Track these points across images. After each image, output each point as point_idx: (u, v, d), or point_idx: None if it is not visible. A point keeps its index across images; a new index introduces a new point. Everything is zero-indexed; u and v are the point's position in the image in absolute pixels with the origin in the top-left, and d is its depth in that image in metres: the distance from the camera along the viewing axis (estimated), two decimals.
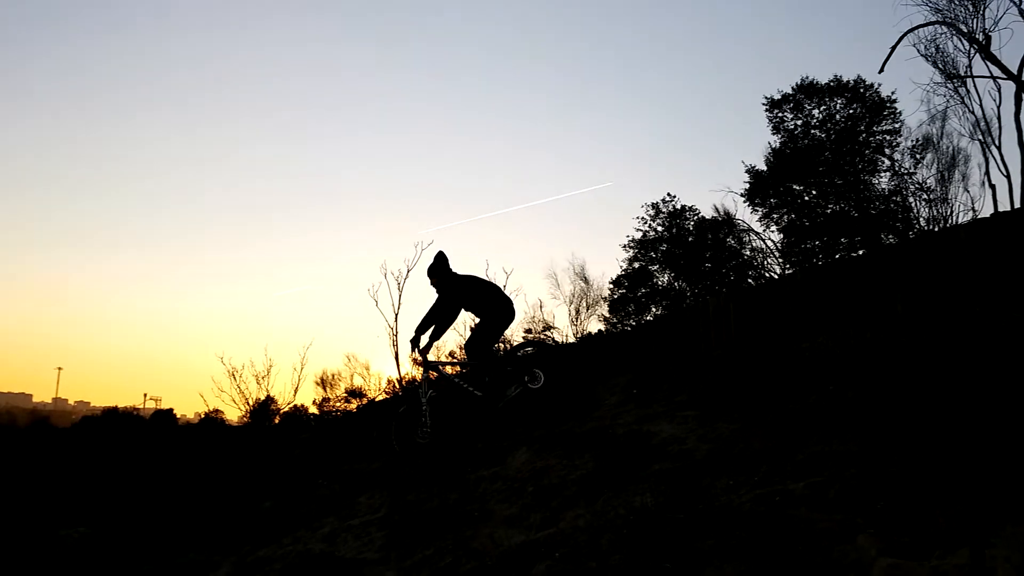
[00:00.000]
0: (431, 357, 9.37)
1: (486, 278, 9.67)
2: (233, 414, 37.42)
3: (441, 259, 9.25)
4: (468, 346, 9.24)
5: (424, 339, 9.26)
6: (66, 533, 15.76)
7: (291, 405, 32.52)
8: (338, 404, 34.56)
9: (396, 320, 23.10)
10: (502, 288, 9.63)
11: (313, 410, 36.91)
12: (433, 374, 9.46)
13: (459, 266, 9.39)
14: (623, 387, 10.27)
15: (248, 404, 31.33)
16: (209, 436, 38.92)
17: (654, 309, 28.62)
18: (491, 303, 9.12)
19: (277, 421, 34.06)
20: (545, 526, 4.97)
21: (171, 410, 48.92)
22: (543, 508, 5.42)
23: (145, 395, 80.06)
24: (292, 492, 11.02)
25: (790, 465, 4.67)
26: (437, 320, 9.14)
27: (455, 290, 9.13)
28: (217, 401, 44.56)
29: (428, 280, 9.29)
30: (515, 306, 9.39)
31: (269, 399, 32.13)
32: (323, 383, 35.71)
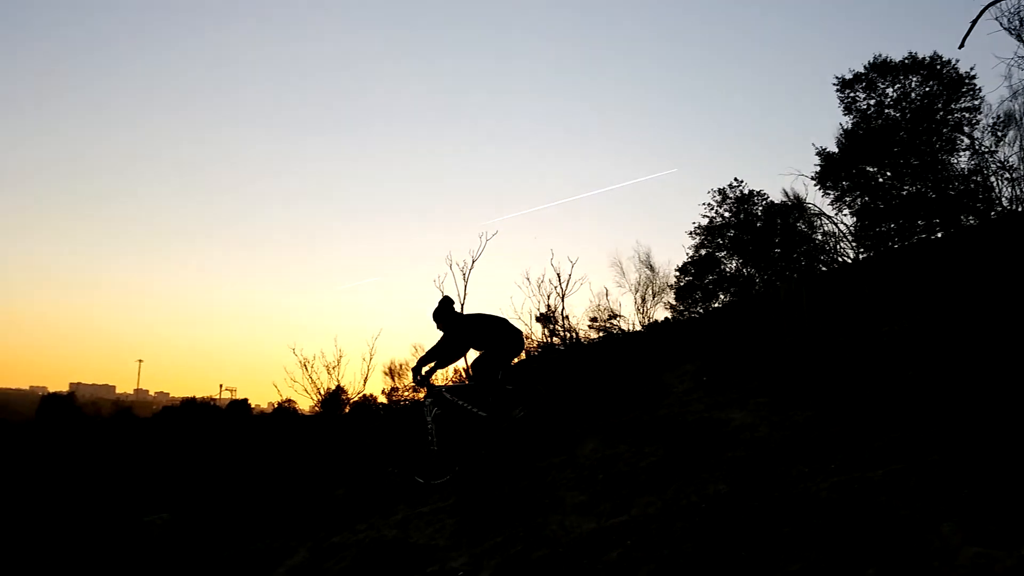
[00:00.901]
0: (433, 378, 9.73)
1: (493, 313, 9.95)
2: (305, 404, 38.29)
3: (446, 304, 9.68)
4: (474, 370, 9.49)
5: (425, 369, 9.59)
6: (150, 520, 16.43)
7: (361, 395, 33.12)
8: (406, 394, 35.05)
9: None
10: (508, 320, 9.79)
11: (382, 400, 37.56)
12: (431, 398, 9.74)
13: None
14: (692, 375, 10.15)
15: (319, 394, 32.04)
16: (282, 425, 39.98)
17: (722, 296, 28.14)
18: (495, 339, 9.39)
19: (347, 411, 34.77)
20: (616, 514, 4.94)
21: (246, 400, 50.38)
22: (613, 496, 5.39)
23: (221, 386, 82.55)
24: (364, 480, 11.21)
25: (868, 452, 4.54)
26: (440, 357, 9.51)
27: (459, 331, 9.47)
28: (290, 391, 45.75)
29: (434, 324, 9.66)
30: (522, 336, 9.63)
31: (339, 389, 32.80)
32: (391, 373, 36.28)
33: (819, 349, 8.93)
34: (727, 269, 28.81)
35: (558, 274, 22.83)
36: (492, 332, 9.38)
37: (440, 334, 9.56)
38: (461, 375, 26.32)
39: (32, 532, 20.00)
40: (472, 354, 9.63)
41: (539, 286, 23.88)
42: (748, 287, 26.80)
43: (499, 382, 9.32)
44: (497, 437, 9.25)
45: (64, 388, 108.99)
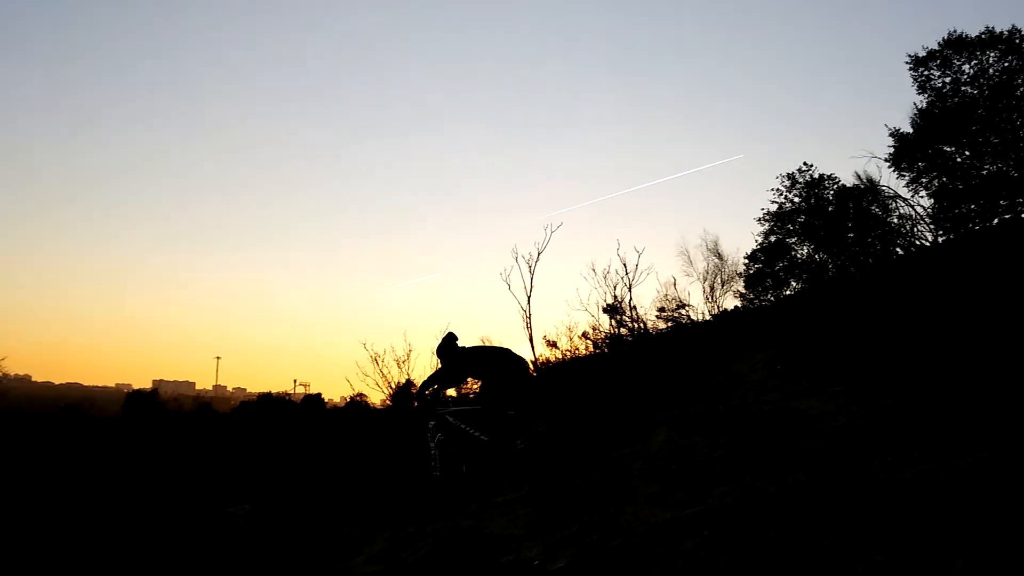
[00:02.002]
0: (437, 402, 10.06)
1: (496, 345, 10.37)
2: (376, 397, 39.01)
3: (449, 340, 10.07)
4: (477, 397, 9.80)
5: (429, 392, 9.94)
6: (233, 510, 16.98)
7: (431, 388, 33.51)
8: (475, 386, 35.26)
9: (529, 303, 23.28)
10: (511, 351, 10.04)
11: (451, 392, 37.90)
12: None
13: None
14: (765, 364, 9.98)
15: (390, 388, 32.53)
16: (355, 418, 40.72)
17: (793, 283, 27.54)
18: (496, 370, 9.68)
19: (416, 404, 35.12)
20: (691, 504, 4.91)
21: (319, 395, 51.44)
22: (688, 486, 5.36)
23: (295, 381, 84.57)
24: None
25: (954, 441, 4.41)
26: (441, 382, 9.92)
27: (461, 364, 9.85)
28: (361, 385, 46.68)
29: (437, 358, 10.10)
30: (525, 364, 9.95)
31: (409, 382, 33.24)
32: None
33: (898, 336, 8.68)
34: (798, 256, 28.18)
35: (624, 264, 22.74)
36: (493, 364, 9.71)
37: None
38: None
39: (121, 522, 20.90)
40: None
41: (605, 277, 23.81)
42: (820, 273, 26.17)
43: (502, 409, 9.50)
44: (566, 428, 9.31)
45: (147, 385, 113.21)
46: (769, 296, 27.53)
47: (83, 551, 17.37)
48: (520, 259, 23.42)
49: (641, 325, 23.13)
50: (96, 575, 13.43)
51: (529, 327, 23.49)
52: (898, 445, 4.65)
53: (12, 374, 37.94)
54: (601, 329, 24.86)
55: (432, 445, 9.50)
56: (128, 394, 56.17)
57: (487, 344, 10.28)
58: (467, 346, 10.06)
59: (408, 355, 31.53)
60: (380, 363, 32.00)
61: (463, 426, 9.65)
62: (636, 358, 18.57)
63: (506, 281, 23.20)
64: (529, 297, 23.20)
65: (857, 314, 12.66)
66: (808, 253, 28.02)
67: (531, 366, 35.77)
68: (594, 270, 24.00)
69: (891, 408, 5.59)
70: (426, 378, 10.01)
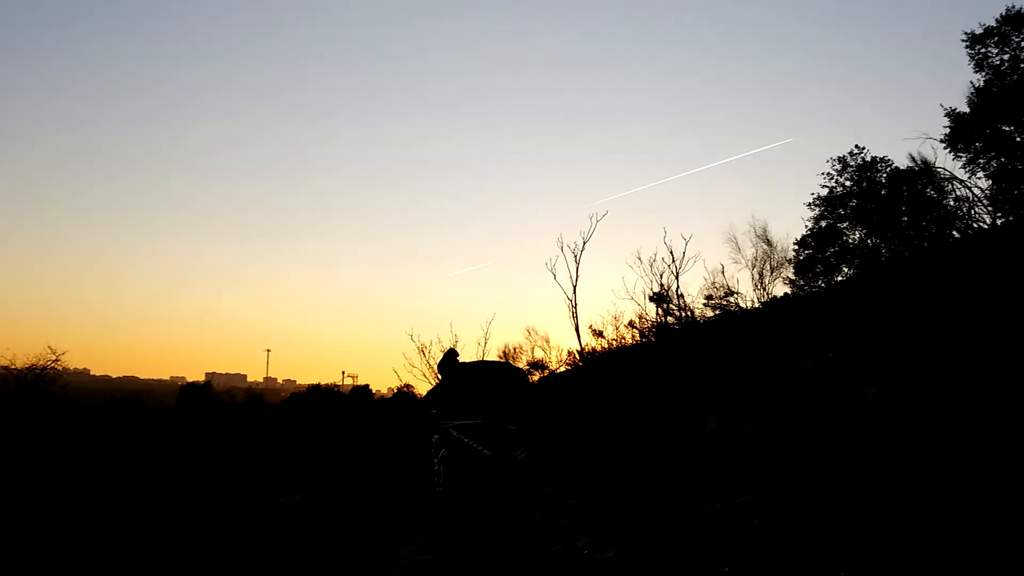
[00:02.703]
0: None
1: (494, 359, 10.78)
2: (423, 387, 39.27)
3: (450, 356, 10.37)
4: (480, 412, 9.97)
5: (433, 412, 10.33)
6: (285, 500, 17.30)
7: None
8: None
9: (574, 292, 23.17)
10: (509, 363, 10.45)
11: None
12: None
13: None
14: (816, 351, 9.79)
15: (437, 378, 32.82)
16: (402, 409, 41.11)
17: (845, 269, 26.91)
18: (494, 384, 10.05)
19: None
20: (742, 493, 4.83)
21: (367, 386, 52.01)
22: (739, 475, 5.28)
23: (343, 372, 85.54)
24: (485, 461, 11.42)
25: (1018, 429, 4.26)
26: (443, 401, 10.26)
27: (462, 379, 10.22)
28: (408, 376, 47.02)
29: (439, 373, 10.51)
30: (524, 376, 10.35)
31: None
32: (506, 356, 36.64)
33: (955, 322, 8.43)
34: (850, 241, 27.53)
35: (671, 252, 22.42)
36: (490, 378, 9.99)
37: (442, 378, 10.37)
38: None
39: (178, 508, 21.43)
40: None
41: (651, 265, 23.48)
42: (873, 259, 25.55)
43: (503, 423, 9.70)
44: (614, 417, 9.29)
45: (200, 378, 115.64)
46: (820, 283, 26.96)
47: (143, 534, 17.91)
48: (565, 248, 23.33)
49: (688, 313, 22.84)
50: (156, 556, 13.84)
51: (575, 316, 23.39)
52: (959, 434, 4.51)
53: (72, 368, 38.81)
54: (648, 318, 24.62)
55: (436, 460, 9.76)
56: (182, 386, 57.53)
57: (484, 361, 10.73)
58: (467, 361, 10.40)
59: (455, 346, 31.75)
60: (427, 354, 32.22)
61: (467, 440, 9.92)
62: (684, 346, 18.39)
63: (551, 271, 23.15)
64: (575, 286, 23.11)
65: (911, 301, 12.34)
66: (860, 238, 27.37)
67: (531, 377, 35.93)
68: (640, 259, 23.68)
69: (948, 397, 5.44)
70: (428, 393, 10.41)
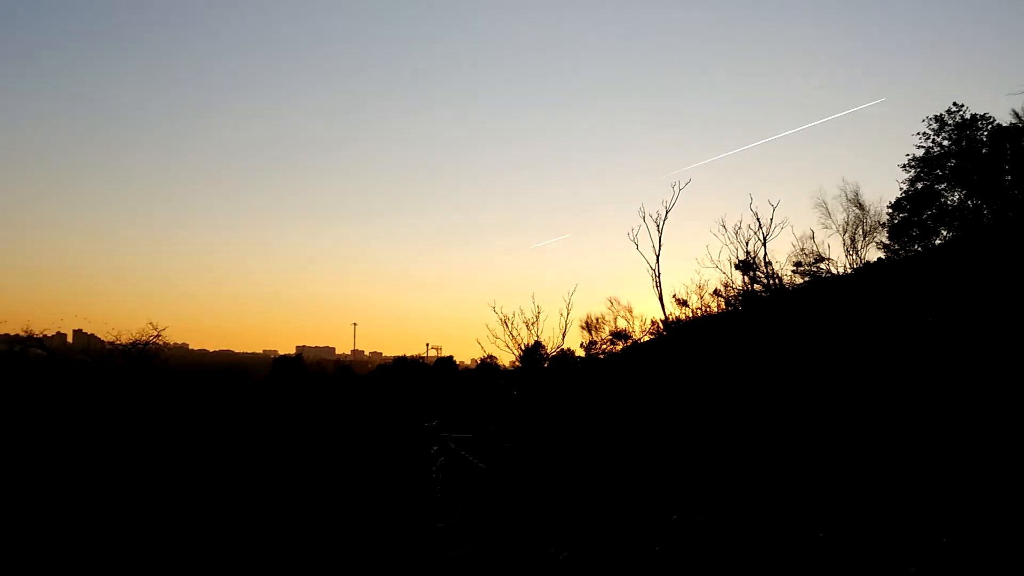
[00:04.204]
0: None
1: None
2: (506, 358, 39.64)
3: (448, 364, 10.43)
4: (475, 427, 10.14)
5: (434, 424, 10.43)
6: (375, 466, 17.88)
7: (559, 348, 33.81)
8: (604, 346, 35.28)
9: (657, 262, 22.87)
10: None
11: (580, 353, 38.04)
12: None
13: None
14: (914, 314, 9.43)
15: (519, 349, 33.00)
16: (485, 379, 41.66)
17: (943, 232, 25.76)
18: (487, 395, 10.14)
19: (546, 365, 35.51)
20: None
21: (451, 357, 52.86)
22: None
23: (427, 344, 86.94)
24: (567, 431, 11.53)
25: None
26: (442, 414, 10.39)
27: (459, 392, 10.29)
28: (492, 347, 47.36)
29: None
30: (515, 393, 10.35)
31: (538, 344, 33.61)
32: (588, 327, 36.61)
33: None
34: (948, 202, 26.30)
35: (757, 219, 21.86)
36: (485, 389, 10.10)
37: (442, 395, 10.41)
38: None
39: (271, 474, 22.32)
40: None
41: (737, 233, 22.94)
42: (975, 220, 24.35)
43: (497, 439, 9.87)
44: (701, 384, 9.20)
45: (292, 351, 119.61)
46: (916, 247, 25.89)
47: (244, 493, 18.77)
48: (647, 218, 23.06)
49: (776, 281, 22.28)
50: (256, 514, 14.54)
51: (658, 286, 23.10)
52: None
53: (172, 343, 40.79)
54: (734, 286, 24.16)
55: (434, 469, 10.06)
56: (275, 359, 59.66)
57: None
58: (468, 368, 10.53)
59: (537, 317, 31.86)
60: (510, 325, 32.48)
61: (463, 453, 10.27)
62: (773, 314, 18.02)
63: (634, 240, 22.94)
64: (658, 256, 22.81)
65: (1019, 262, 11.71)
66: (960, 199, 26.12)
67: (614, 347, 35.70)
68: (724, 226, 23.16)
69: None
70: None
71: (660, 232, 22.61)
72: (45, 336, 31.54)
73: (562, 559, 8.88)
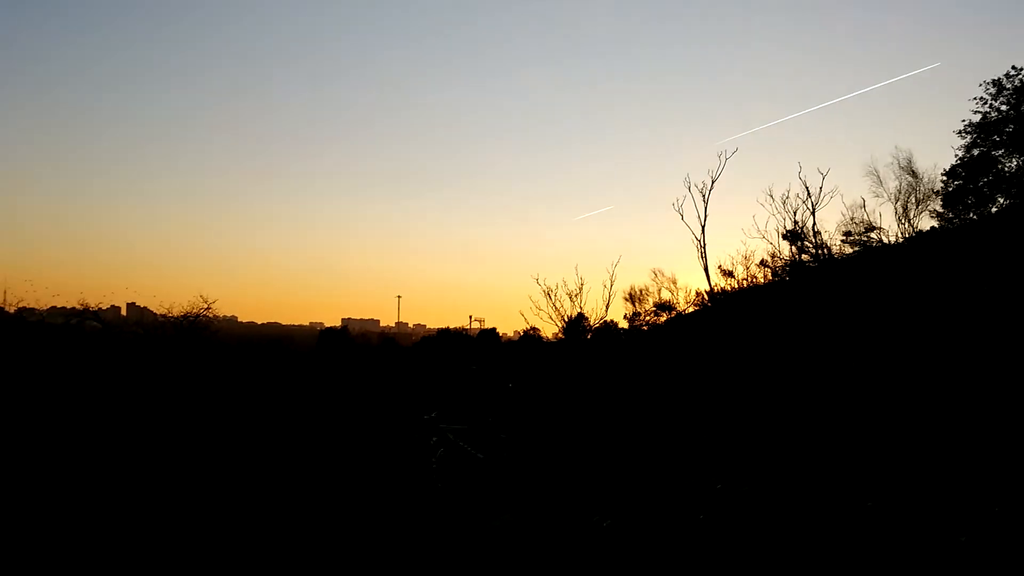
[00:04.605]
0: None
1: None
2: (549, 330, 39.68)
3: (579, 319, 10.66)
4: (472, 417, 10.43)
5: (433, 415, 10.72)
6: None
7: (602, 320, 33.71)
8: (648, 318, 35.04)
9: (703, 232, 22.64)
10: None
11: (623, 324, 37.86)
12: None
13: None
14: (969, 284, 9.19)
15: (563, 320, 32.94)
16: (527, 351, 41.81)
17: (1000, 200, 24.99)
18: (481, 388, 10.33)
19: (589, 336, 35.46)
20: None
21: (494, 329, 53.15)
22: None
23: (470, 316, 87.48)
24: (610, 400, 11.53)
25: None
26: (440, 405, 10.62)
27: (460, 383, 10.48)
28: (535, 319, 47.30)
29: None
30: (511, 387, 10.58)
31: (581, 316, 33.53)
32: (632, 298, 36.37)
33: None
34: (1006, 169, 25.47)
35: (806, 187, 21.42)
36: (480, 383, 10.27)
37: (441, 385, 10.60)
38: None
39: (319, 441, 22.79)
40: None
41: (784, 202, 22.54)
42: None
43: (495, 432, 10.08)
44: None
45: (337, 323, 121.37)
46: (971, 215, 25.17)
47: (288, 461, 19.22)
48: (693, 188, 22.83)
49: (825, 251, 21.87)
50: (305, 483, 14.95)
51: (703, 257, 22.89)
52: None
53: (221, 316, 41.65)
54: (781, 256, 23.78)
55: (433, 460, 10.29)
56: (321, 331, 60.66)
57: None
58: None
59: (580, 288, 31.80)
60: (553, 297, 32.49)
61: (461, 443, 10.51)
62: (821, 285, 17.74)
63: (679, 211, 22.78)
64: (703, 226, 22.59)
65: None
66: (1018, 166, 25.28)
67: (657, 318, 35.48)
68: (772, 196, 22.74)
69: None
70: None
71: (706, 202, 22.39)
72: (100, 309, 32.25)
73: (606, 527, 8.93)
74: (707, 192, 22.16)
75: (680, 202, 23.03)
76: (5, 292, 49.93)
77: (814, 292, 18.07)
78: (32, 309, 33.02)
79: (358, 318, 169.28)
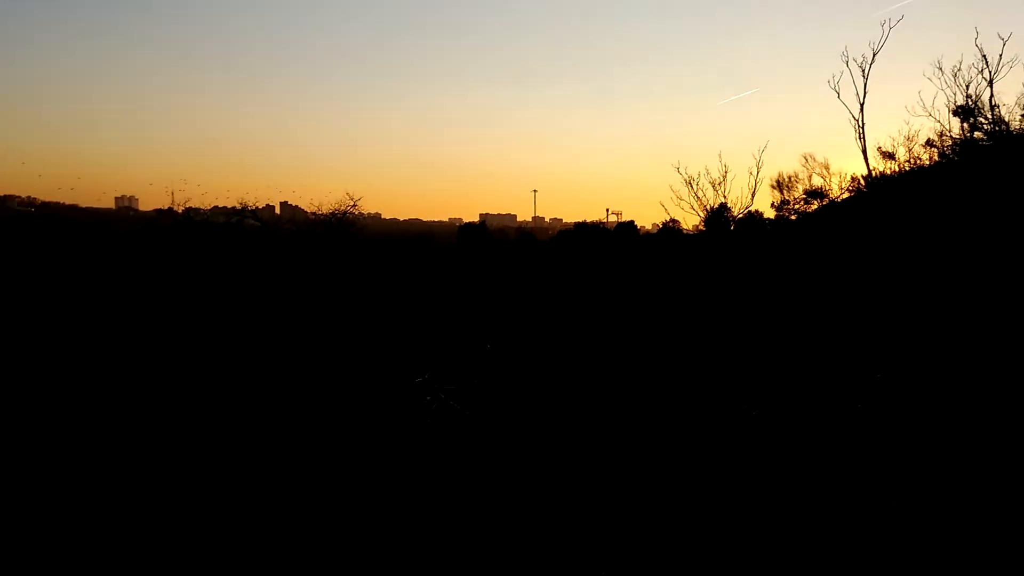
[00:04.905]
0: None
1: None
2: (690, 221, 38.45)
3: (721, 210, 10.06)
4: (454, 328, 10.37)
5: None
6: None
7: (746, 210, 32.23)
8: (797, 206, 33.26)
9: (861, 111, 21.01)
10: None
11: (769, 214, 36.15)
12: None
13: None
14: None
15: (705, 211, 31.73)
16: (666, 244, 40.88)
17: None
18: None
19: (732, 228, 34.05)
20: None
21: (632, 222, 52.16)
22: None
23: (607, 209, 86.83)
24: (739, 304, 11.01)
25: None
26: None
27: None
28: (676, 210, 45.77)
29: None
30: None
31: (723, 206, 32.14)
32: (779, 186, 34.50)
33: None
34: None
35: (983, 56, 19.21)
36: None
37: None
38: None
39: (460, 335, 23.52)
40: None
41: (955, 75, 20.35)
42: None
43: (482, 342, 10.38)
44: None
45: (475, 219, 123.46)
46: None
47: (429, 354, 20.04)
48: (851, 63, 21.11)
49: (1003, 127, 19.69)
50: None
51: (861, 138, 21.31)
52: None
53: (366, 213, 43.37)
54: (950, 135, 21.65)
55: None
56: (460, 226, 61.61)
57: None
58: None
59: (723, 177, 30.45)
60: (694, 186, 31.30)
61: (453, 403, 11.16)
62: (997, 165, 16.09)
63: (835, 89, 21.26)
64: (862, 104, 20.98)
65: None
66: None
67: (808, 206, 33.32)
68: (941, 68, 20.60)
69: None
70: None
71: (865, 78, 20.73)
72: (257, 208, 34.85)
73: (754, 415, 8.84)
74: (867, 67, 20.49)
75: (836, 79, 21.40)
76: (173, 193, 54.43)
77: (989, 174, 16.42)
78: (197, 209, 35.52)
79: (496, 213, 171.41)
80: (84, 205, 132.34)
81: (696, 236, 36.62)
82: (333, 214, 34.14)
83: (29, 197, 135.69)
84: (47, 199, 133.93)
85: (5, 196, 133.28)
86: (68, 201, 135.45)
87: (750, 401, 9.53)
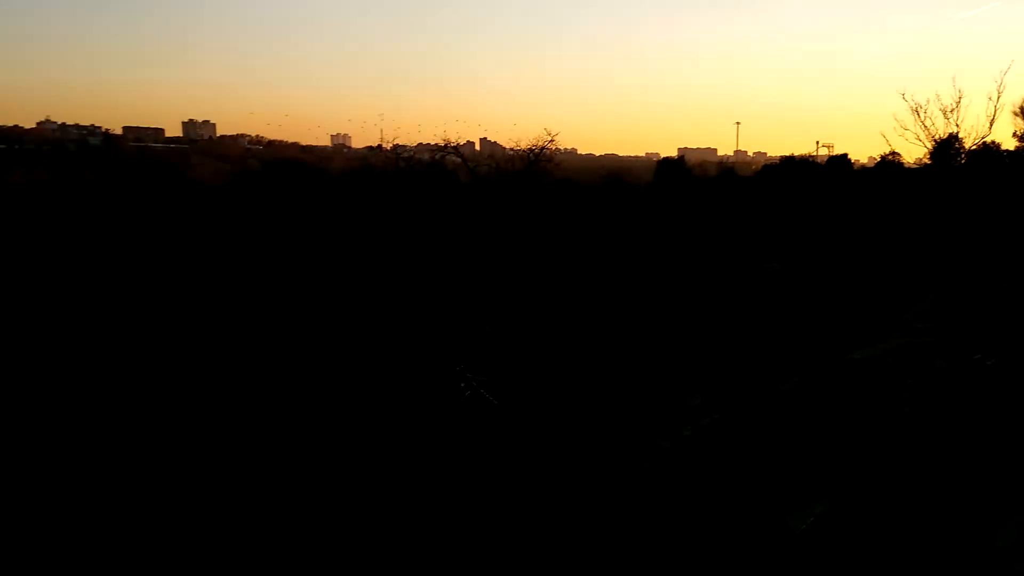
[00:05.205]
0: None
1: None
2: (913, 154, 34.86)
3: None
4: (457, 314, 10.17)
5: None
6: (766, 267, 17.60)
7: (981, 141, 28.79)
8: None
9: None
10: None
11: (1009, 145, 32.12)
12: None
13: None
14: None
15: (932, 141, 28.67)
16: (884, 180, 37.51)
17: None
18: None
19: (963, 160, 30.45)
20: None
21: (845, 155, 48.50)
22: None
23: (817, 143, 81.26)
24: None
25: None
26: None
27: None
28: (898, 141, 41.50)
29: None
30: None
31: (954, 136, 28.77)
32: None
33: None
34: None
35: None
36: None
37: None
38: None
39: (658, 269, 23.17)
40: None
41: None
42: None
43: (483, 327, 11.45)
44: None
45: (673, 153, 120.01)
46: None
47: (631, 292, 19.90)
48: None
49: None
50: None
51: None
52: None
53: (562, 148, 44.21)
54: None
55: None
56: (658, 162, 60.07)
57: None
58: None
59: (957, 103, 27.43)
60: (922, 114, 28.34)
61: (481, 391, 11.84)
62: None
63: None
64: None
65: None
66: None
67: None
68: None
69: None
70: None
71: None
72: (458, 144, 37.16)
73: (989, 365, 8.39)
74: None
75: None
76: (383, 131, 60.28)
77: None
78: (404, 146, 39.16)
79: (695, 147, 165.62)
80: (304, 143, 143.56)
81: (920, 170, 33.35)
82: (531, 150, 34.85)
83: (258, 136, 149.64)
84: (272, 137, 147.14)
85: (238, 135, 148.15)
86: (289, 139, 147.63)
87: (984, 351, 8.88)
